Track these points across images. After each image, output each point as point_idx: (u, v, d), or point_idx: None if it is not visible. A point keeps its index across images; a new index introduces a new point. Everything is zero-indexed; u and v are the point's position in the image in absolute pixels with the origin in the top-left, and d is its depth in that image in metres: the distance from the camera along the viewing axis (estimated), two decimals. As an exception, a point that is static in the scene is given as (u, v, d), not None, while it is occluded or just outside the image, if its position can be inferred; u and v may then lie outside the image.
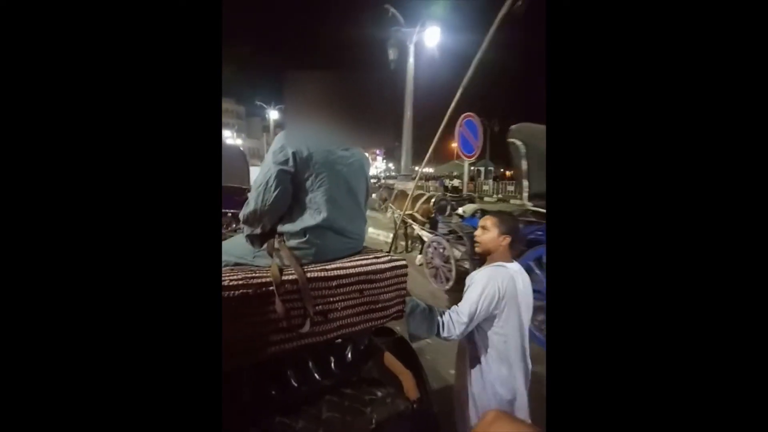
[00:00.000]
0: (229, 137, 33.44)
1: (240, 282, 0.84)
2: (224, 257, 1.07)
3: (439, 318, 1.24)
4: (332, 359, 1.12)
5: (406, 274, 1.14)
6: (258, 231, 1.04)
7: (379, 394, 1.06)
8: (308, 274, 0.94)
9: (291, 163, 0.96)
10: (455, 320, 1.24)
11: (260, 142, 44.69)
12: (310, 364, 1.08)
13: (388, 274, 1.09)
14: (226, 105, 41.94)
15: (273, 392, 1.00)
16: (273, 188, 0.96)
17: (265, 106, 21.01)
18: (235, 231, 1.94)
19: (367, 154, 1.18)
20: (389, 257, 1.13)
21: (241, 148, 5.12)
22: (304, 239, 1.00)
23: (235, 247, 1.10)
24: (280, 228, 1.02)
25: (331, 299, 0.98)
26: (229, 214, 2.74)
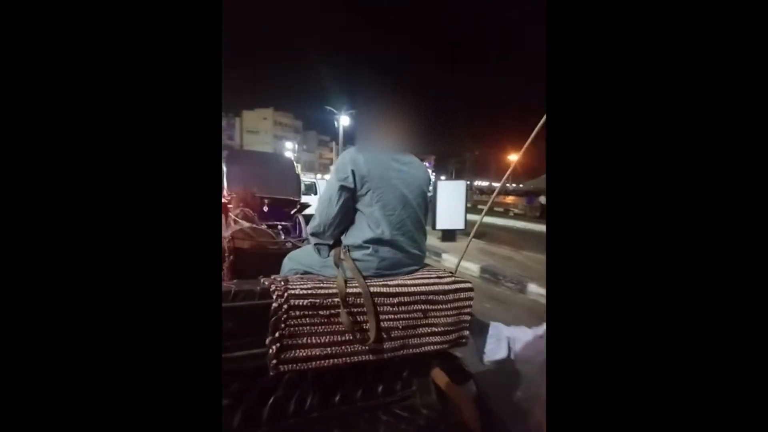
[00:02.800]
0: (289, 150, 35.35)
1: (308, 291, 0.89)
2: (294, 265, 1.19)
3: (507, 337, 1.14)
4: (385, 378, 1.11)
5: (471, 298, 1.11)
6: (323, 242, 1.12)
7: (437, 421, 1.05)
8: (371, 289, 0.96)
9: (351, 179, 1.03)
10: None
11: (314, 155, 47.15)
12: (361, 382, 1.08)
13: (452, 296, 1.07)
14: (284, 119, 44.68)
15: (315, 404, 1.01)
16: (335, 203, 1.05)
17: (335, 111, 21.76)
18: (285, 244, 2.01)
19: (426, 164, 1.31)
20: (453, 278, 1.10)
21: (294, 161, 5.15)
22: (366, 251, 1.04)
23: (304, 256, 1.21)
24: (344, 240, 1.09)
25: (392, 317, 0.99)
26: (279, 227, 2.69)
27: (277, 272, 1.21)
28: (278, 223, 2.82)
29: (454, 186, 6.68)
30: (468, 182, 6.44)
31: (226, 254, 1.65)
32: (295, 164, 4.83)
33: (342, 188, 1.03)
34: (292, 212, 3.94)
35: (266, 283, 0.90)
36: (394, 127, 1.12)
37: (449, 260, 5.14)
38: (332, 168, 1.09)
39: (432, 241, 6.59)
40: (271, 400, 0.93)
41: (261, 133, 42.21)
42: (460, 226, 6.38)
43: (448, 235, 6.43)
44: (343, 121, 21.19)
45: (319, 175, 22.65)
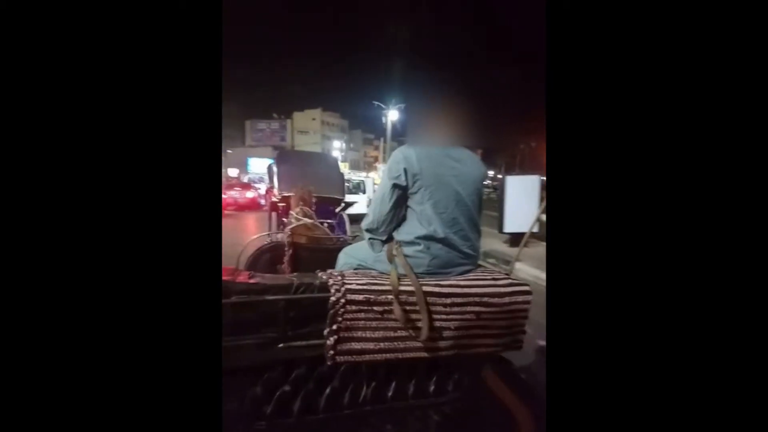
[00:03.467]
0: (337, 149, 35.67)
1: (363, 287, 0.92)
2: (348, 260, 1.21)
3: None
4: (437, 378, 1.10)
5: (528, 302, 1.06)
6: (377, 237, 1.14)
7: (488, 424, 1.04)
8: (423, 288, 0.96)
9: (403, 178, 1.05)
10: None
11: (359, 153, 47.37)
12: (413, 380, 1.07)
13: (507, 299, 1.03)
14: (331, 119, 45.34)
15: (369, 397, 1.01)
16: (388, 201, 1.07)
17: (383, 106, 21.40)
18: (337, 240, 2.11)
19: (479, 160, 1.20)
20: (509, 281, 1.08)
21: (340, 159, 5.20)
22: (417, 248, 1.04)
23: (358, 251, 1.23)
24: (396, 236, 1.10)
25: (444, 317, 0.98)
26: (326, 225, 2.69)
27: (331, 266, 1.19)
28: (324, 221, 2.81)
29: (525, 182, 5.69)
30: (542, 178, 5.40)
31: (286, 248, 1.72)
32: (341, 163, 5.01)
33: (394, 186, 1.05)
34: (337, 210, 3.99)
35: (324, 277, 0.95)
36: (445, 120, 1.11)
37: (525, 271, 4.29)
38: (386, 166, 1.14)
39: (499, 245, 5.72)
40: (328, 390, 0.93)
41: (310, 133, 43.26)
42: (533, 228, 5.40)
43: (518, 240, 5.48)
44: (392, 116, 20.77)
45: (363, 173, 22.37)
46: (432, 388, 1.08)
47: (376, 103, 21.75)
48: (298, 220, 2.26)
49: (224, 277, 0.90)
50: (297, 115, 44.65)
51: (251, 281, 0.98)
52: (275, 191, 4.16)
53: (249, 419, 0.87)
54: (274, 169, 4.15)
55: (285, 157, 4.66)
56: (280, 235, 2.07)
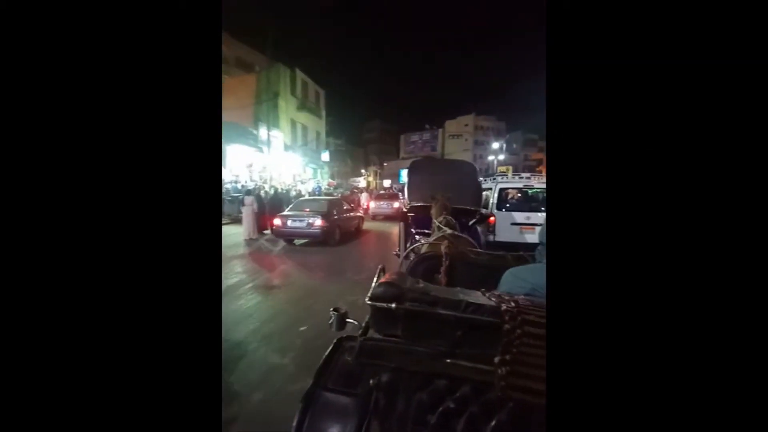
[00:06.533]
0: (493, 153, 33.56)
1: (542, 320, 0.83)
2: (519, 282, 1.11)
3: None
4: None
5: None
6: None
7: None
8: None
9: None
10: None
11: (518, 158, 43.40)
12: None
13: None
14: (486, 122, 43.23)
15: None
16: None
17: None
18: (483, 256, 1.82)
19: None
20: None
21: (476, 166, 5.05)
22: None
23: (532, 273, 1.11)
24: None
25: None
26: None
27: (476, 281, 1.15)
28: (462, 235, 2.58)
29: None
30: None
31: (444, 259, 1.63)
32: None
33: None
34: (470, 223, 3.72)
35: (493, 300, 0.90)
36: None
37: None
38: None
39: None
40: (493, 422, 0.86)
41: (462, 137, 42.45)
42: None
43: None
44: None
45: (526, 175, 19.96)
46: None
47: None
48: (440, 229, 2.17)
49: (397, 282, 0.92)
50: (449, 124, 44.83)
51: (422, 290, 0.93)
52: (405, 201, 4.13)
53: (413, 422, 0.85)
54: (405, 178, 4.18)
55: (417, 166, 4.55)
56: (424, 248, 2.04)
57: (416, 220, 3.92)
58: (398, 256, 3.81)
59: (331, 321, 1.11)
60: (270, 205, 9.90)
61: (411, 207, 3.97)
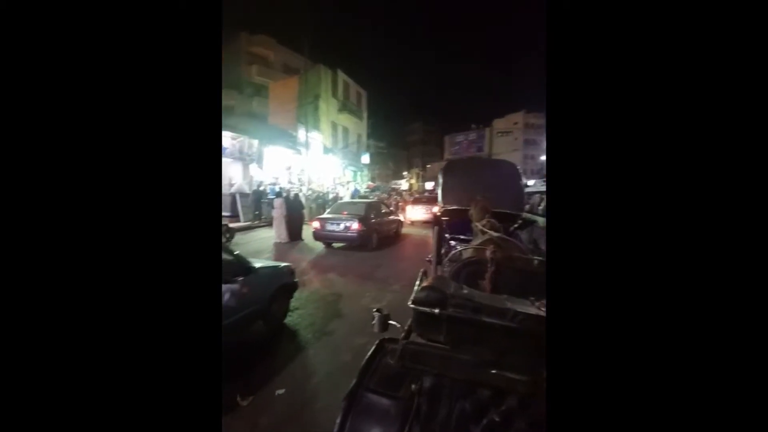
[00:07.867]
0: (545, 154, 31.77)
1: None
2: None
3: None
4: None
5: None
6: None
7: None
8: None
9: None
10: None
11: (573, 156, 40.56)
12: None
13: None
14: (537, 120, 40.91)
15: None
16: None
17: None
18: (532, 261, 1.81)
19: None
20: None
21: (517, 166, 4.38)
22: None
23: None
24: None
25: None
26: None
27: (525, 289, 1.08)
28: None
29: None
30: None
31: (489, 265, 1.55)
32: (519, 172, 4.17)
33: None
34: (512, 228, 3.48)
35: (543, 310, 0.84)
36: None
37: None
38: None
39: None
40: None
41: (511, 136, 40.57)
42: None
43: None
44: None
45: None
46: None
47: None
48: (483, 233, 2.08)
49: (440, 287, 0.89)
50: (497, 122, 43.15)
51: (467, 296, 0.89)
52: (439, 203, 3.90)
53: (456, 431, 0.83)
54: (440, 180, 3.89)
55: (452, 166, 4.24)
56: (470, 251, 1.98)
57: (451, 224, 3.67)
58: (430, 262, 3.45)
59: (373, 322, 1.09)
60: (296, 209, 9.09)
61: (444, 210, 3.73)
